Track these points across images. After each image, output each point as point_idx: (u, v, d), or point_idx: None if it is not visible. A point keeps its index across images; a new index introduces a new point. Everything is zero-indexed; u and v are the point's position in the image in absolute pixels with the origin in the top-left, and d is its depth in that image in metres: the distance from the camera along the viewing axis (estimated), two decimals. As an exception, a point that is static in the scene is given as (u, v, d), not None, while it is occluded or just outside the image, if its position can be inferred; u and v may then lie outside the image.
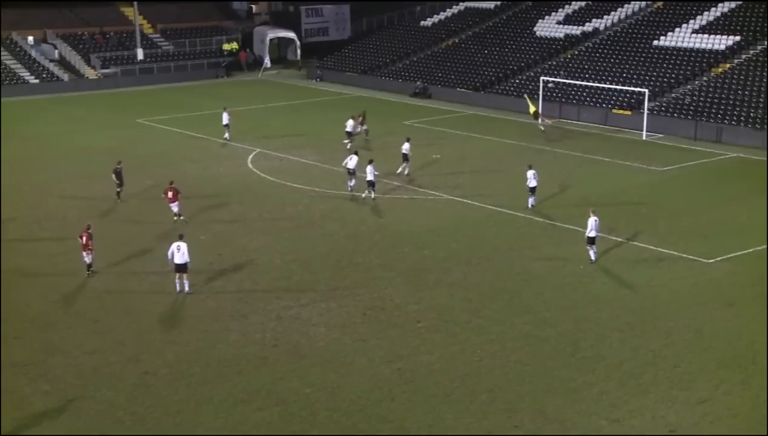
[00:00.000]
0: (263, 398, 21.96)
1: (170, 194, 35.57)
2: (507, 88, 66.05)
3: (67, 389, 22.45)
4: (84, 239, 30.04)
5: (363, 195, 39.47)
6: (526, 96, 56.25)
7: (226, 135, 52.13)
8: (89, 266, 30.29)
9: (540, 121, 54.47)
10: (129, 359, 24.07)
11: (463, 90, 67.60)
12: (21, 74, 72.30)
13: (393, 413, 21.36)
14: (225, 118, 52.06)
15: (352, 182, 40.01)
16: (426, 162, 46.44)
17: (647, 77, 60.03)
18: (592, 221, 31.11)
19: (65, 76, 74.01)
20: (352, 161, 40.02)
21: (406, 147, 43.29)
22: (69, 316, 27.04)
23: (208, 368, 23.59)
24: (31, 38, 76.36)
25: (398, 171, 42.97)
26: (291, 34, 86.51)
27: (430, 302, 28.13)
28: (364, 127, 50.57)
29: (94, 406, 21.56)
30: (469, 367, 23.66)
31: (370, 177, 38.71)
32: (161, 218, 36.65)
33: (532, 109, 55.25)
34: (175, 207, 35.72)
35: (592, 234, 31.21)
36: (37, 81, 72.16)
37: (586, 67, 64.28)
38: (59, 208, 38.39)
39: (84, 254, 30.20)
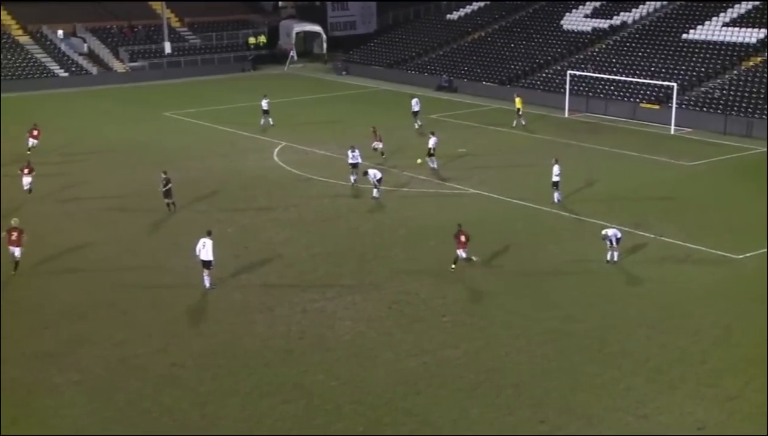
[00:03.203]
0: (289, 391, 22.06)
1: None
2: (533, 81, 65.76)
3: (96, 379, 22.69)
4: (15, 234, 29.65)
5: (353, 178, 40.05)
6: (516, 95, 55.54)
7: (262, 121, 53.04)
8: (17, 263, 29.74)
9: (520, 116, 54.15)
10: (156, 351, 24.26)
11: (488, 84, 67.39)
12: (51, 68, 72.94)
13: (418, 407, 21.38)
14: (264, 105, 53.29)
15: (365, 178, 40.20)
16: (451, 156, 46.35)
17: (676, 71, 59.54)
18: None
19: (94, 70, 74.58)
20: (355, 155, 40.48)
21: (432, 141, 43.25)
22: (98, 308, 27.27)
23: (235, 360, 23.73)
24: (61, 32, 77.00)
25: (433, 166, 42.94)
26: (317, 28, 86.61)
27: (456, 297, 28.11)
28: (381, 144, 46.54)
29: (122, 396, 21.76)
30: (494, 362, 23.63)
31: (353, 161, 39.93)
32: (187, 211, 36.87)
33: (519, 104, 54.49)
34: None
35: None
36: (66, 74, 72.77)
37: (613, 60, 63.82)
38: (87, 202, 38.66)
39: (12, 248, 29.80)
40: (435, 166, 43.13)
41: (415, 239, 33.78)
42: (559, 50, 68.62)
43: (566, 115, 57.96)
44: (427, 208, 37.82)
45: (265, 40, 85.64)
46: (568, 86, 59.01)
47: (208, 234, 28.64)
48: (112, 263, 31.04)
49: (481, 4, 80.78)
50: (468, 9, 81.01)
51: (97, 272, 30.27)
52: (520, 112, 54.15)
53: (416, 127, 53.38)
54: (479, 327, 25.83)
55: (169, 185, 36.41)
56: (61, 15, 77.93)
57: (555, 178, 37.63)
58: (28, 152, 45.25)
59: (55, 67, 73.14)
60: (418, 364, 23.49)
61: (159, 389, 22.17)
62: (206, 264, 28.44)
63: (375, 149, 45.02)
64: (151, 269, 30.62)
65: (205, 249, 28.24)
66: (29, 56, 73.41)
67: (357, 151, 40.70)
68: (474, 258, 30.18)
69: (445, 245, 32.83)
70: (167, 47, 78.18)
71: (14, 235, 29.95)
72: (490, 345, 24.63)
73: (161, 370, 23.17)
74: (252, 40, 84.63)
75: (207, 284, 28.56)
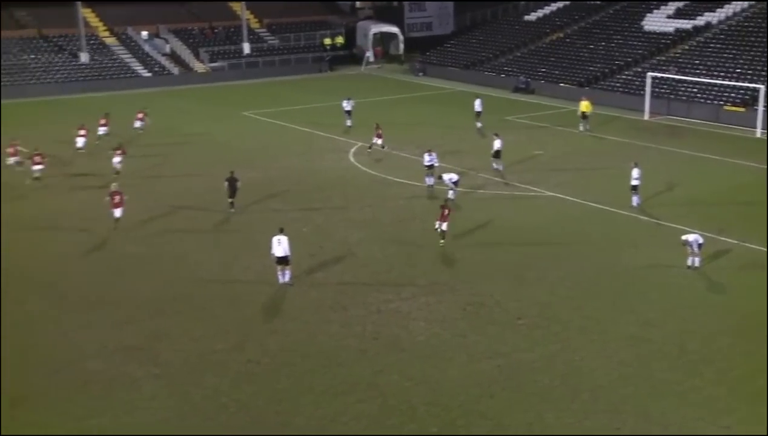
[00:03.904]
0: (363, 390, 22.14)
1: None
2: (612, 84, 64.80)
3: (175, 373, 23.11)
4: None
5: (429, 181, 40.17)
6: (583, 98, 54.17)
7: (349, 122, 53.57)
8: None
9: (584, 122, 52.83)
10: (233, 347, 24.60)
11: (566, 85, 66.62)
12: (134, 68, 74.70)
13: (492, 410, 21.24)
14: (347, 105, 53.89)
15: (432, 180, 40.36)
16: (528, 158, 45.98)
17: (763, 72, 57.91)
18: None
19: (175, 70, 76.12)
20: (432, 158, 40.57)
21: (497, 144, 42.86)
22: (176, 303, 27.79)
23: (309, 359, 23.91)
24: (145, 33, 78.82)
25: (495, 167, 42.69)
26: (394, 29, 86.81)
27: (531, 299, 27.85)
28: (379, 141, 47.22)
29: (200, 391, 22.13)
30: (570, 366, 23.34)
31: (429, 163, 40.13)
32: (263, 210, 37.32)
33: (585, 108, 53.10)
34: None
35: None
36: (149, 74, 74.42)
37: (696, 62, 62.49)
38: (166, 198, 39.43)
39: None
40: (500, 168, 42.72)
41: (490, 240, 33.57)
42: (639, 52, 67.48)
43: (646, 117, 56.93)
44: (502, 210, 37.56)
45: (342, 41, 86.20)
46: (648, 88, 57.94)
47: (281, 231, 28.90)
48: (189, 259, 31.62)
49: (560, 4, 79.95)
50: (546, 10, 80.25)
51: (175, 268, 30.86)
52: (586, 116, 52.93)
53: (479, 126, 53.04)
54: (554, 331, 25.55)
55: (237, 184, 36.93)
56: (145, 17, 79.81)
57: (634, 182, 37.00)
58: (140, 131, 51.56)
59: (139, 68, 74.87)
60: (492, 367, 23.34)
61: (235, 385, 22.47)
62: (283, 260, 28.73)
63: (372, 146, 46.51)
64: (228, 266, 31.06)
65: (281, 246, 28.53)
66: (114, 57, 75.32)
67: (434, 154, 40.63)
68: (443, 231, 32.13)
69: (521, 247, 32.62)
70: (246, 48, 79.35)
71: (116, 198, 34.62)
72: (566, 349, 24.34)
73: (238, 366, 23.48)
74: (328, 41, 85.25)
75: (286, 278, 28.84)
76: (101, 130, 49.59)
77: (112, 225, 34.58)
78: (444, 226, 32.15)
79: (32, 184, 40.91)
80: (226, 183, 37.12)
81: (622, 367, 23.25)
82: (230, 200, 37.09)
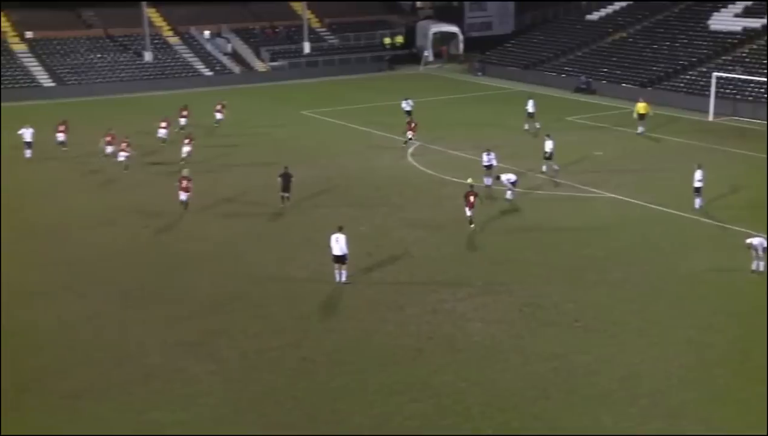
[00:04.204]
0: (418, 390, 22.11)
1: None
2: (676, 84, 63.73)
3: (231, 370, 23.35)
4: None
5: (487, 181, 40.12)
6: (640, 99, 53.07)
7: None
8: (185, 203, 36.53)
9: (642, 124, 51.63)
10: (289, 345, 24.77)
11: (628, 86, 65.71)
12: (197, 67, 75.73)
13: (547, 412, 21.06)
14: (407, 106, 54.19)
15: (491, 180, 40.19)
16: (588, 159, 45.48)
17: (835, 73, 56.48)
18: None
19: (236, 69, 76.99)
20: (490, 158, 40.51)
21: (549, 145, 42.42)
22: (234, 300, 28.07)
23: (365, 358, 23.97)
24: (207, 33, 79.91)
25: (547, 169, 42.26)
26: (454, 29, 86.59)
27: (589, 301, 27.54)
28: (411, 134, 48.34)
29: (256, 388, 22.32)
30: (628, 369, 23.02)
31: (487, 163, 40.23)
32: (321, 208, 37.51)
33: (642, 109, 51.91)
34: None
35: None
36: (211, 73, 75.39)
37: (764, 62, 61.07)
38: (227, 194, 39.87)
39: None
40: (556, 168, 42.26)
41: (548, 242, 33.29)
42: (704, 51, 66.27)
43: (710, 118, 55.88)
44: (561, 211, 37.20)
45: (402, 41, 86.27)
46: (713, 89, 56.84)
47: (340, 229, 28.99)
48: (247, 256, 31.93)
49: (623, 4, 78.92)
50: (609, 9, 79.30)
51: (233, 265, 31.19)
52: (643, 117, 51.82)
53: (526, 128, 52.63)
54: (612, 333, 25.22)
55: (291, 180, 37.57)
56: (208, 16, 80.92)
57: (697, 184, 36.34)
58: (216, 125, 54.09)
59: (201, 67, 75.89)
60: (548, 369, 23.13)
61: (291, 382, 22.62)
62: (340, 259, 28.83)
63: (407, 142, 47.98)
64: (285, 263, 31.29)
65: (338, 244, 28.65)
66: (177, 56, 76.45)
67: (492, 154, 40.44)
68: (471, 226, 33.79)
69: (579, 249, 32.28)
70: (306, 47, 79.88)
71: (184, 183, 36.86)
72: (624, 352, 24.01)
73: (293, 364, 23.64)
74: (387, 40, 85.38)
75: (343, 277, 28.95)
76: (182, 121, 52.12)
77: (165, 221, 35.13)
78: (469, 212, 33.89)
79: (124, 171, 43.46)
80: (280, 178, 37.67)
81: (683, 371, 22.86)
82: (282, 195, 37.56)
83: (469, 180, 36.87)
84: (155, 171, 44.04)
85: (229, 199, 39.43)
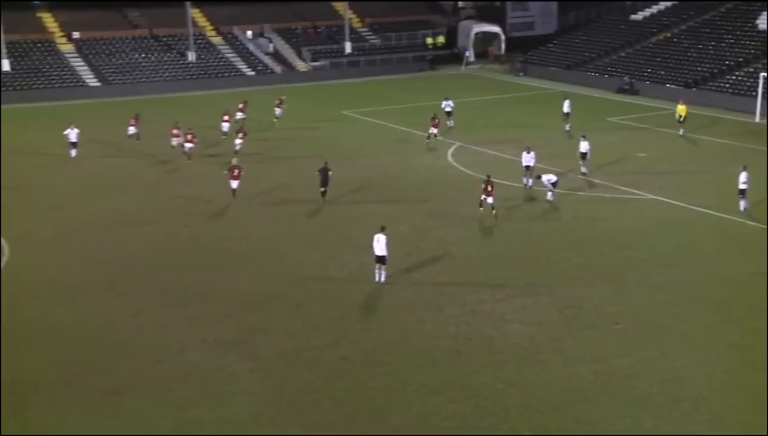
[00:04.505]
0: (456, 391, 22.06)
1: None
2: (721, 84, 62.87)
3: (270, 368, 23.47)
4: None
5: (527, 181, 40.23)
6: (680, 101, 52.44)
7: (449, 123, 53.63)
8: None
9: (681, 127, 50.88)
10: (328, 344, 24.83)
11: (672, 86, 64.94)
12: (239, 67, 76.32)
13: (587, 415, 20.88)
14: (447, 106, 54.05)
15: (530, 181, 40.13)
16: (630, 160, 45.02)
17: None
18: None
19: (278, 69, 77.43)
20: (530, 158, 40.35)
21: (584, 146, 42.00)
22: (273, 299, 28.21)
23: (403, 358, 23.95)
24: (249, 33, 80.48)
25: (584, 171, 41.86)
26: (496, 29, 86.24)
27: (630, 304, 27.26)
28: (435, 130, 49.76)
29: (294, 387, 22.42)
30: (670, 373, 22.75)
31: (527, 163, 40.11)
32: (360, 208, 37.57)
33: (681, 112, 51.01)
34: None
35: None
36: (253, 73, 75.91)
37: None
38: (267, 193, 40.14)
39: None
40: (586, 171, 41.84)
41: (589, 243, 33.02)
42: (752, 51, 65.28)
43: (757, 120, 55.03)
44: (602, 212, 36.88)
45: (443, 41, 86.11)
46: (761, 89, 56.02)
47: (382, 229, 29.00)
48: (287, 255, 32.08)
49: (669, 3, 78.03)
50: (654, 9, 78.48)
51: (273, 264, 31.36)
52: (683, 120, 51.04)
53: (566, 129, 52.22)
54: (654, 337, 24.94)
55: (329, 175, 38.22)
56: (250, 16, 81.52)
57: (742, 186, 35.82)
58: (276, 120, 55.81)
59: (243, 66, 76.44)
60: (588, 371, 22.94)
61: (330, 381, 22.68)
62: (380, 259, 28.88)
63: (429, 136, 49.14)
64: (325, 263, 31.39)
65: (379, 244, 28.68)
66: (220, 56, 77.09)
67: (532, 152, 40.25)
68: (491, 205, 35.24)
69: (621, 251, 31.97)
70: (348, 47, 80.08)
71: (235, 171, 38.87)
72: (666, 356, 23.73)
73: (332, 363, 23.70)
74: (429, 40, 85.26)
75: (381, 278, 28.98)
76: (239, 115, 53.69)
77: (207, 218, 35.38)
78: (490, 199, 35.30)
79: (188, 161, 45.92)
80: (319, 173, 38.24)
81: (726, 376, 22.54)
82: (322, 190, 38.02)
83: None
84: (211, 162, 45.84)
85: (272, 190, 40.01)
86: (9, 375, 22.86)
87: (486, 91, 69.92)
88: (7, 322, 26.22)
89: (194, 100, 66.31)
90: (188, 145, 46.22)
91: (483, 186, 35.66)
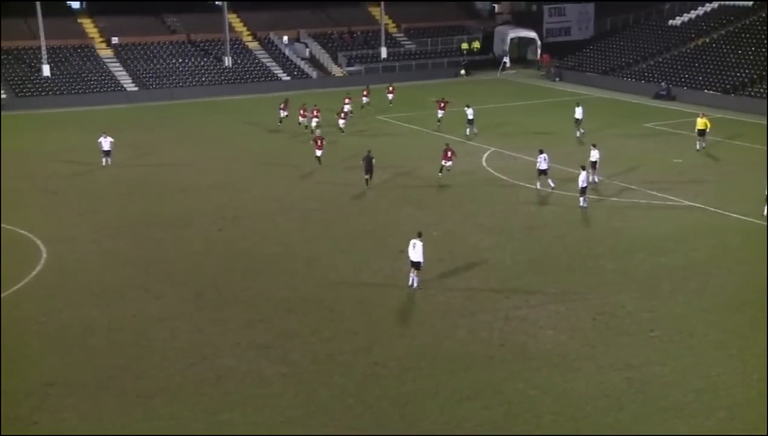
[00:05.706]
0: (488, 397, 22.00)
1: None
2: (761, 91, 62.07)
3: (303, 372, 23.57)
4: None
5: (537, 185, 40.60)
6: (701, 115, 49.86)
7: (468, 131, 53.34)
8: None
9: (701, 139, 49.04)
10: (361, 349, 24.88)
11: (711, 92, 64.25)
12: (275, 71, 76.73)
13: (620, 423, 20.73)
14: (469, 114, 53.41)
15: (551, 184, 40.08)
16: (667, 166, 44.61)
17: None
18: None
19: (314, 74, 77.73)
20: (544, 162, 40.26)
21: (594, 155, 41.44)
22: (307, 303, 28.34)
23: (435, 363, 23.94)
24: (286, 38, 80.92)
25: (596, 179, 41.33)
26: (532, 34, 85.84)
27: (665, 311, 27.01)
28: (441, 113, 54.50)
29: (327, 391, 22.49)
30: (705, 381, 22.52)
31: (543, 166, 40.04)
32: (395, 213, 37.61)
33: (702, 125, 48.83)
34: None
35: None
36: (288, 78, 76.26)
37: None
38: (303, 199, 40.28)
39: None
40: (597, 180, 41.28)
41: (624, 250, 32.77)
42: (792, 56, 64.42)
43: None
44: (637, 219, 36.60)
45: (479, 46, 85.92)
46: (798, 95, 55.21)
47: (419, 235, 29.00)
48: (320, 260, 32.20)
49: (707, 8, 77.21)
50: (692, 14, 77.75)
51: (306, 268, 31.48)
52: (704, 134, 48.67)
53: (577, 135, 51.73)
54: (689, 345, 24.70)
55: (373, 163, 40.92)
56: (287, 22, 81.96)
57: (776, 193, 35.28)
58: (390, 105, 62.88)
59: (279, 71, 76.85)
60: (621, 379, 22.77)
61: (362, 386, 22.73)
62: (415, 265, 28.89)
63: (440, 120, 53.91)
64: (359, 268, 31.46)
65: (414, 250, 28.69)
66: (256, 61, 77.57)
67: (544, 154, 40.07)
68: (447, 169, 41.00)
69: (655, 257, 31.70)
70: (383, 52, 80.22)
71: (319, 142, 45.12)
72: (701, 364, 23.49)
73: (365, 368, 23.74)
74: (465, 45, 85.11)
75: (415, 283, 28.99)
76: (346, 108, 57.76)
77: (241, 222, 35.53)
78: (448, 164, 41.17)
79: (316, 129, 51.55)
80: (363, 162, 40.45)
81: (762, 385, 22.24)
82: (366, 178, 40.66)
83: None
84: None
85: (302, 204, 39.95)
86: (45, 377, 23.19)
87: (521, 96, 69.64)
88: (44, 324, 26.59)
89: (231, 105, 66.73)
90: (315, 120, 53.52)
91: (443, 153, 41.02)
